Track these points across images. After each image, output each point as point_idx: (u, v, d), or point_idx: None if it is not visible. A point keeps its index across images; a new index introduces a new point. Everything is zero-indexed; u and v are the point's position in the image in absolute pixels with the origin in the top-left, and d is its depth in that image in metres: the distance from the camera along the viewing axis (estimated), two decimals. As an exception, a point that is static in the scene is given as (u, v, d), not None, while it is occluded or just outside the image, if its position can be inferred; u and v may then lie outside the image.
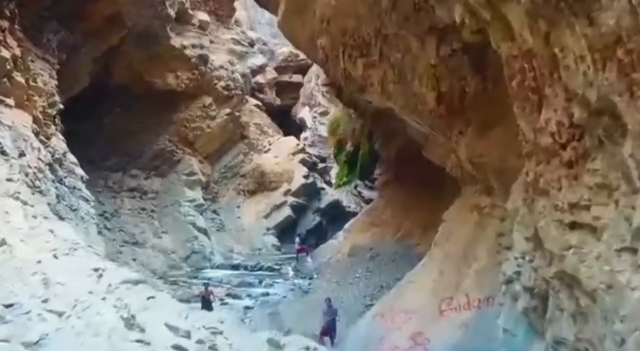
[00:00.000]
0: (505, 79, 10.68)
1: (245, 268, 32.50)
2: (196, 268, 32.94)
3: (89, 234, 20.51)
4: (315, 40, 18.47)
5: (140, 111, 40.13)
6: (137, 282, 9.41)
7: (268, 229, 40.85)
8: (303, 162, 45.14)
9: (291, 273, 31.13)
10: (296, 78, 67.16)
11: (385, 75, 15.80)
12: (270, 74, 63.29)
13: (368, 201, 52.45)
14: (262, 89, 61.78)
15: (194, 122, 42.52)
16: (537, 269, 10.46)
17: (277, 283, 28.26)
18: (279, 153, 45.55)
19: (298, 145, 47.59)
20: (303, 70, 67.61)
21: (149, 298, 8.75)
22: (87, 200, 22.33)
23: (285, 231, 41.81)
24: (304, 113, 65.39)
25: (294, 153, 45.62)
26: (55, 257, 9.71)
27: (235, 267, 33.05)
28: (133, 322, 7.63)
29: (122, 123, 39.62)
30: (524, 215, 11.18)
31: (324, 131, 63.75)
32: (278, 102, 64.14)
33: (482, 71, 14.06)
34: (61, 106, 25.36)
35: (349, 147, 74.62)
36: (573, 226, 8.60)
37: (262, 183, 43.30)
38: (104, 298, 8.36)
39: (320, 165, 48.62)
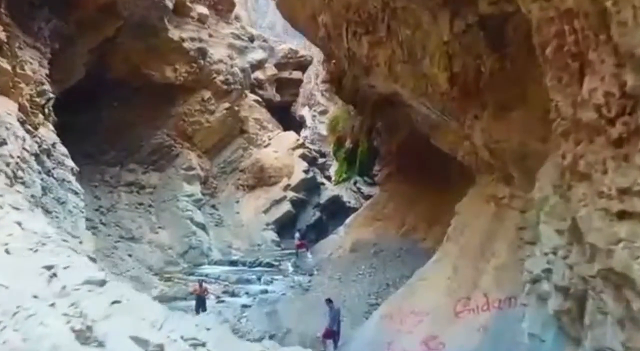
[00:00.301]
0: (536, 48, 9.05)
1: (244, 264, 30.73)
2: (193, 264, 31.26)
3: (77, 228, 18.90)
4: (316, 17, 16.78)
5: (139, 104, 38.56)
6: (102, 283, 7.71)
7: (267, 224, 39.10)
8: (303, 156, 43.43)
9: (291, 269, 29.18)
10: (296, 75, 65.66)
11: (392, 54, 14.10)
12: (270, 70, 61.63)
13: (367, 197, 51.09)
14: (262, 85, 60.15)
15: (193, 116, 40.91)
16: (572, 266, 8.84)
17: (276, 280, 26.43)
18: (278, 148, 43.86)
19: (298, 140, 45.88)
20: (303, 67, 66.39)
21: (113, 302, 7.07)
22: (76, 193, 20.67)
23: (284, 226, 40.08)
24: (303, 112, 64.00)
25: (293, 148, 43.92)
26: (7, 252, 8.01)
27: (233, 263, 31.27)
28: (89, 335, 5.98)
29: (120, 117, 38.04)
30: (555, 204, 9.55)
31: (323, 130, 62.63)
32: (278, 98, 62.40)
33: (499, 48, 12.40)
34: (52, 95, 23.72)
35: (348, 144, 73.50)
36: (622, 215, 7.09)
37: (261, 178, 41.57)
38: (52, 304, 6.67)
39: (320, 160, 46.96)
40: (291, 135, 47.01)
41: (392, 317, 14.24)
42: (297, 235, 33.64)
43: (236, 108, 43.37)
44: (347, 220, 30.70)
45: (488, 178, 14.46)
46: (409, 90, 14.98)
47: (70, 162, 22.41)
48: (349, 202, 42.74)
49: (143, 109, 38.77)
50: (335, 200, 42.88)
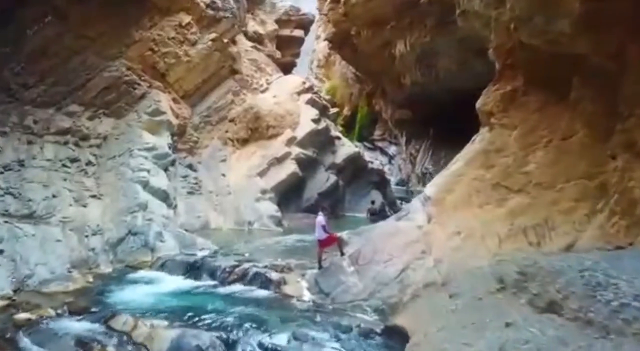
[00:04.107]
0: None
1: (212, 274, 11.75)
2: (125, 266, 13.13)
3: None
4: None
5: (84, 22, 20.22)
6: None
7: (264, 192, 20.61)
8: (311, 102, 24.57)
9: (307, 296, 9.91)
10: (297, 33, 47.03)
11: None
12: (271, 25, 43.15)
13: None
14: (261, 41, 41.39)
15: (166, 46, 22.59)
16: None
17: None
18: (279, 94, 25.11)
19: (304, 82, 26.53)
20: (305, 25, 48.06)
21: None
22: None
23: (288, 194, 21.60)
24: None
25: (299, 93, 25.03)
26: None
27: (192, 269, 12.32)
28: None
29: (55, 37, 19.97)
30: None
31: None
32: (279, 55, 43.51)
33: None
34: None
35: (346, 111, 53.37)
36: None
37: (256, 130, 22.92)
38: None
39: (333, 110, 28.23)
40: (295, 78, 28.05)
41: None
42: (319, 217, 11.63)
43: (225, 40, 24.71)
44: (427, 189, 10.83)
45: None
46: None
47: None
48: (372, 162, 24.30)
49: (91, 29, 20.45)
50: (356, 159, 24.12)
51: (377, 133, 50.89)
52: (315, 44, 60.31)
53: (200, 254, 13.53)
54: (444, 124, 34.71)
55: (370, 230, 11.86)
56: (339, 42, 41.12)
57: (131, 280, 11.84)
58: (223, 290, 10.83)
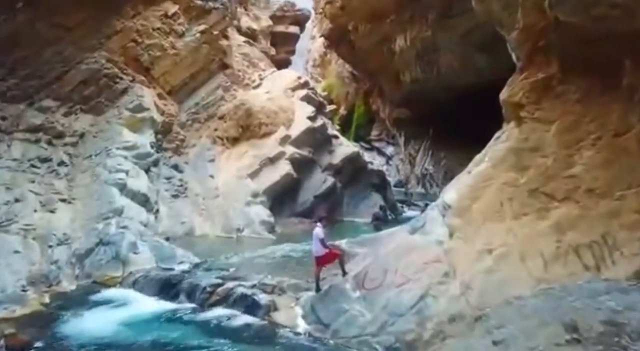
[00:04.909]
0: None
1: (190, 294, 9.82)
2: (92, 282, 11.25)
3: None
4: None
5: (59, 9, 18.41)
6: None
7: (255, 195, 18.65)
8: (307, 99, 22.67)
9: (302, 327, 7.95)
10: (293, 29, 45.31)
11: None
12: (265, 21, 41.33)
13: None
14: (255, 37, 39.58)
15: (151, 38, 20.80)
16: None
17: None
18: (272, 90, 23.23)
19: (299, 78, 24.58)
20: (300, 21, 46.43)
21: None
22: None
23: (281, 198, 19.60)
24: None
25: (293, 89, 23.14)
26: None
27: (168, 286, 10.34)
28: None
29: (27, 26, 18.24)
30: None
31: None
32: (273, 52, 41.70)
33: None
34: None
35: (342, 110, 49.62)
36: None
37: (248, 128, 20.98)
38: None
39: (329, 108, 26.34)
40: (290, 73, 26.03)
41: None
42: (317, 229, 9.38)
43: (215, 33, 22.89)
44: (447, 197, 8.29)
45: None
46: None
47: None
48: (372, 163, 22.49)
49: (67, 17, 18.69)
50: (355, 160, 22.16)
51: (374, 133, 49.11)
52: (310, 44, 58.89)
53: (178, 269, 11.62)
54: (444, 123, 33.08)
55: (375, 240, 10.07)
56: (336, 39, 39.40)
57: (94, 302, 10.00)
58: (202, 315, 9.00)
